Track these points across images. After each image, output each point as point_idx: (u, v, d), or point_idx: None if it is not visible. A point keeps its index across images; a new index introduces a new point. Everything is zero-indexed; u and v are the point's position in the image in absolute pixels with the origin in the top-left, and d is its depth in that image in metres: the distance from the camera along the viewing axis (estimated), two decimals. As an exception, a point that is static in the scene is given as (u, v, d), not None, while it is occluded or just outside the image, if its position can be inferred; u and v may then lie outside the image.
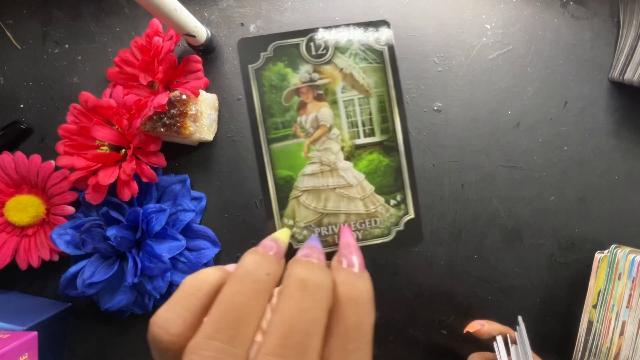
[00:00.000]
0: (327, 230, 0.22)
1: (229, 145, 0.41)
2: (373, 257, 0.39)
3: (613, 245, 0.38)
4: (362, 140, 0.22)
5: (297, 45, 0.22)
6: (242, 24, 0.42)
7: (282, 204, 0.21)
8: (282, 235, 0.19)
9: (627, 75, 0.39)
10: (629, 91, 0.41)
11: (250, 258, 0.17)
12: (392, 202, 0.22)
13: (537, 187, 0.41)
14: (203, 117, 0.38)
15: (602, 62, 0.41)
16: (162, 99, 0.34)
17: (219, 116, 0.41)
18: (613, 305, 0.35)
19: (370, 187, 0.22)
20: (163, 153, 0.39)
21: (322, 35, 0.22)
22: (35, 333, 0.33)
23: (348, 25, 0.22)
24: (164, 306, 0.16)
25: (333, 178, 0.22)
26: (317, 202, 0.22)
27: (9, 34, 0.42)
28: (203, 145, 0.41)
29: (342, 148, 0.22)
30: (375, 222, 0.22)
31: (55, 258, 0.39)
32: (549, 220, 0.41)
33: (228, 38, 0.42)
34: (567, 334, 0.40)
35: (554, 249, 0.41)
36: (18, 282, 0.41)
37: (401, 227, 0.22)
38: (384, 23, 0.22)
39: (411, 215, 0.22)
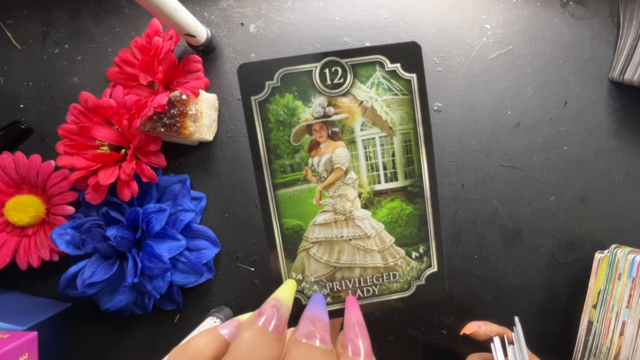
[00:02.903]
0: (340, 286, 0.19)
1: (229, 145, 0.41)
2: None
3: (613, 245, 0.38)
4: (383, 185, 0.19)
5: (309, 73, 0.18)
6: (242, 24, 0.42)
7: (290, 257, 0.19)
8: (285, 295, 0.17)
9: (627, 75, 0.39)
10: (629, 91, 0.41)
11: (247, 337, 0.15)
12: (414, 254, 0.19)
13: (537, 187, 0.41)
14: (203, 117, 0.38)
15: (602, 62, 0.41)
16: (162, 99, 0.34)
17: (219, 116, 0.41)
18: (613, 305, 0.35)
19: (390, 239, 0.19)
20: (163, 153, 0.39)
21: (338, 61, 0.18)
22: (35, 333, 0.33)
23: (370, 47, 0.18)
24: None
25: (348, 228, 0.19)
26: (329, 254, 0.19)
27: (9, 34, 0.42)
28: (203, 145, 0.41)
29: (360, 194, 0.19)
30: (394, 276, 0.19)
31: (55, 258, 0.39)
32: (549, 220, 0.41)
33: (228, 38, 0.42)
34: (567, 334, 0.40)
35: (554, 249, 0.41)
36: (18, 282, 0.41)
37: (422, 281, 0.19)
38: (414, 47, 0.18)
39: (434, 268, 0.19)
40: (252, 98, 0.18)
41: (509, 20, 0.41)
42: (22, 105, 0.42)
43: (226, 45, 0.42)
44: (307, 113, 0.18)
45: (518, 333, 0.34)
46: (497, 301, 0.41)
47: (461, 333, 0.36)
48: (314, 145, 0.18)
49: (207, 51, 0.41)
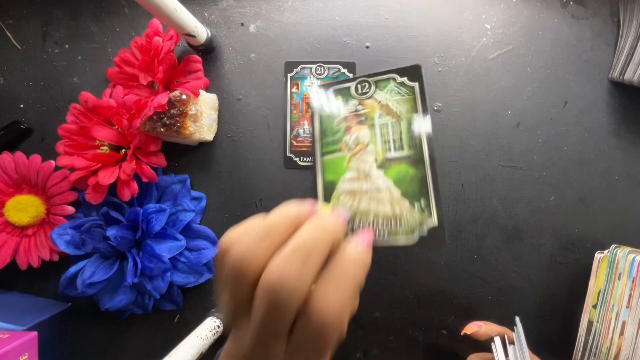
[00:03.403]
0: (358, 227, 0.26)
1: (229, 145, 0.41)
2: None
3: (613, 245, 0.38)
4: (393, 154, 0.26)
5: (348, 88, 0.28)
6: (242, 24, 0.42)
7: (327, 201, 0.27)
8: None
9: (627, 75, 0.39)
10: (629, 91, 0.41)
11: (332, 219, 0.20)
12: (417, 206, 0.25)
13: (537, 187, 0.41)
14: (203, 117, 0.38)
15: (602, 62, 0.41)
16: (162, 99, 0.34)
17: (219, 116, 0.41)
18: (613, 305, 0.35)
19: (397, 192, 0.25)
20: (163, 153, 0.39)
21: (367, 80, 0.28)
22: (35, 333, 0.33)
23: (388, 70, 0.27)
24: (244, 236, 0.18)
25: (367, 183, 0.26)
26: (352, 202, 0.26)
27: (9, 34, 0.42)
28: (203, 145, 0.41)
29: (376, 160, 0.26)
30: (401, 223, 0.25)
31: (55, 258, 0.39)
32: (549, 220, 0.41)
33: (228, 38, 0.42)
34: (567, 334, 0.40)
35: (554, 249, 0.41)
36: (18, 282, 0.41)
37: (424, 233, 0.24)
38: (417, 67, 0.27)
39: (434, 220, 0.24)
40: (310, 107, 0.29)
41: (509, 20, 0.42)
42: (22, 105, 0.42)
43: (226, 45, 0.42)
44: (345, 110, 0.28)
45: (519, 333, 0.34)
46: (497, 301, 0.41)
47: (462, 333, 0.36)
48: (348, 129, 0.27)
49: (207, 51, 0.41)
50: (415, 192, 0.25)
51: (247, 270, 0.18)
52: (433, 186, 0.25)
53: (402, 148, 0.26)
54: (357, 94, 0.28)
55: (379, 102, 0.27)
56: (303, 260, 0.17)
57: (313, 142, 0.28)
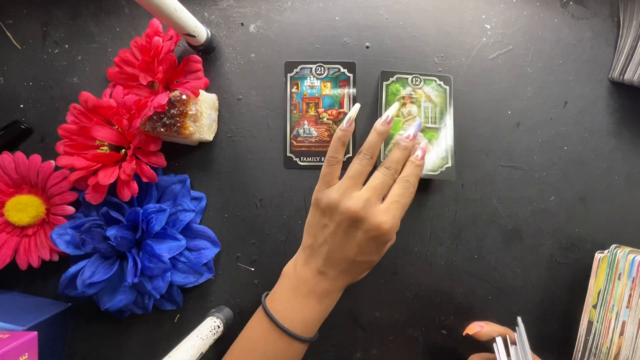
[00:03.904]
0: None
1: (229, 145, 0.41)
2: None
3: (613, 245, 0.38)
4: (429, 125, 0.40)
5: (407, 78, 0.41)
6: (242, 24, 0.42)
7: (386, 146, 0.40)
8: (392, 112, 0.37)
9: (627, 75, 0.39)
10: (629, 91, 0.41)
11: (382, 124, 0.36)
12: (441, 156, 0.40)
13: (537, 187, 0.41)
14: (203, 117, 0.38)
15: (602, 62, 0.41)
16: (162, 99, 0.34)
17: (219, 116, 0.41)
18: (613, 305, 0.35)
19: (430, 146, 0.40)
20: (163, 153, 0.39)
21: (419, 76, 0.41)
22: (35, 333, 0.33)
23: (432, 75, 0.41)
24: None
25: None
26: None
27: (9, 34, 0.42)
28: (203, 145, 0.41)
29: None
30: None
31: (55, 258, 0.39)
32: (549, 220, 0.41)
33: (228, 38, 0.42)
34: (567, 334, 0.40)
35: (554, 249, 0.41)
36: (18, 282, 0.41)
37: (444, 169, 0.39)
38: (449, 77, 0.41)
39: (449, 164, 0.39)
40: (384, 83, 0.40)
41: (509, 20, 0.42)
42: (22, 105, 0.42)
43: (226, 45, 0.42)
44: (403, 92, 0.40)
45: (521, 333, 0.34)
46: (497, 301, 0.41)
47: (464, 333, 0.36)
48: (404, 105, 0.40)
49: (207, 51, 0.41)
50: (439, 148, 0.40)
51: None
52: (453, 145, 0.40)
53: (435, 122, 0.40)
54: (412, 84, 0.40)
55: (425, 92, 0.40)
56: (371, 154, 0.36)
57: (378, 110, 0.40)
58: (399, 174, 0.35)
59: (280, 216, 0.41)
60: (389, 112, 0.36)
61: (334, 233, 0.34)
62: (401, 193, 0.34)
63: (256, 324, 0.35)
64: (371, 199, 0.33)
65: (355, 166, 0.35)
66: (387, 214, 0.33)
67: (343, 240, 0.34)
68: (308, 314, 0.34)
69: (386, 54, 0.42)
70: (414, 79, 0.40)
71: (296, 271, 0.35)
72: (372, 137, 0.36)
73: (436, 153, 0.39)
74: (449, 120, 0.40)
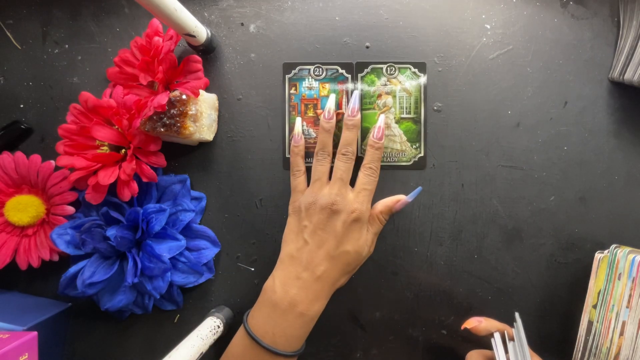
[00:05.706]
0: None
1: (229, 145, 0.41)
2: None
3: (613, 245, 0.38)
4: (404, 115, 0.41)
5: (381, 68, 0.41)
6: (242, 24, 0.42)
7: (363, 140, 0.41)
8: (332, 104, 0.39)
9: (627, 75, 0.39)
10: (629, 91, 0.41)
11: (325, 122, 0.38)
12: (414, 146, 0.41)
13: (537, 187, 0.41)
14: (203, 117, 0.38)
15: (602, 62, 0.41)
16: (162, 99, 0.34)
17: (219, 116, 0.41)
18: (613, 305, 0.35)
19: (404, 137, 0.41)
20: (163, 153, 0.39)
21: (394, 65, 0.41)
22: (35, 333, 0.33)
23: (406, 62, 0.41)
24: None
25: (388, 130, 0.41)
26: None
27: (9, 34, 0.42)
28: (203, 145, 0.41)
29: (394, 117, 0.41)
30: (404, 154, 0.41)
31: (55, 258, 0.39)
32: (549, 220, 0.41)
33: (228, 38, 0.42)
34: (567, 334, 0.40)
35: (554, 249, 0.41)
36: (18, 282, 0.41)
37: (417, 159, 0.41)
38: (423, 64, 0.41)
39: (422, 154, 0.41)
40: (359, 75, 0.41)
41: (509, 20, 0.42)
42: (22, 105, 0.42)
43: (226, 45, 0.42)
44: (378, 83, 0.41)
45: (518, 329, 0.34)
46: (497, 301, 0.41)
47: (462, 327, 0.36)
48: (379, 96, 0.41)
49: (207, 51, 0.41)
50: (414, 138, 0.41)
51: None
52: (424, 137, 0.41)
53: (410, 112, 0.41)
54: (387, 74, 0.41)
55: (400, 81, 0.41)
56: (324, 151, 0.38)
57: (360, 102, 0.41)
58: (356, 154, 0.39)
59: (280, 216, 0.41)
60: (329, 106, 0.38)
61: (313, 232, 0.36)
62: (366, 181, 0.37)
63: (238, 341, 0.36)
64: (341, 190, 0.36)
65: (317, 168, 0.38)
66: (356, 201, 0.36)
67: (322, 237, 0.36)
68: (288, 327, 0.34)
69: (386, 54, 0.42)
70: (388, 68, 0.41)
71: (274, 285, 0.36)
72: (321, 136, 0.38)
73: (409, 143, 0.41)
74: (422, 108, 0.41)
